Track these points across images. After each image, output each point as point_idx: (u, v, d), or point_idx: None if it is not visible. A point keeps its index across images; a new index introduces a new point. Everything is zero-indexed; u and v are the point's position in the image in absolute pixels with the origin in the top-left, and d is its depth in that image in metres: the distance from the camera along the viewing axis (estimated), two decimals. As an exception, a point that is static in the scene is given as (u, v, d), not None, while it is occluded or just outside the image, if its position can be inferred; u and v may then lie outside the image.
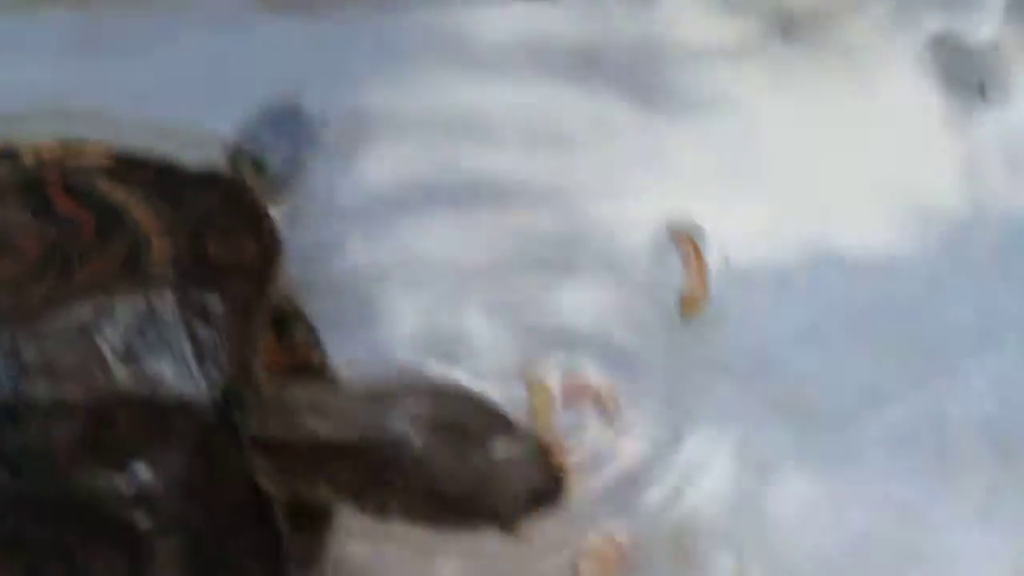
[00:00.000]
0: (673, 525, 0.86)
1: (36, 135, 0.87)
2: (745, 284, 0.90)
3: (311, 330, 0.84)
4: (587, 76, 0.94)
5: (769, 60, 0.93)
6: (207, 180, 0.83)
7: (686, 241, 0.91)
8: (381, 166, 0.91)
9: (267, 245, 0.80)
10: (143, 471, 0.73)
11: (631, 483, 0.87)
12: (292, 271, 0.85)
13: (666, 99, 0.93)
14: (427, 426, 0.74)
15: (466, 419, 0.76)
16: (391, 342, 0.87)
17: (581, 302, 0.89)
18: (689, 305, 0.89)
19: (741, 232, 0.91)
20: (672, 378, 0.89)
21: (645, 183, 0.92)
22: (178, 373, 0.74)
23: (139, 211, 0.80)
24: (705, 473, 0.86)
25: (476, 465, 0.74)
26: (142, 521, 0.73)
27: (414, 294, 0.90)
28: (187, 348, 0.75)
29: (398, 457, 0.74)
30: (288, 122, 0.90)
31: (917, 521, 0.85)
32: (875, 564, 0.85)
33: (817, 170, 0.93)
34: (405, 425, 0.74)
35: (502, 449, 0.75)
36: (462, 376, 0.85)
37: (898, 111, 0.93)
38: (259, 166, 0.88)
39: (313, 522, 0.81)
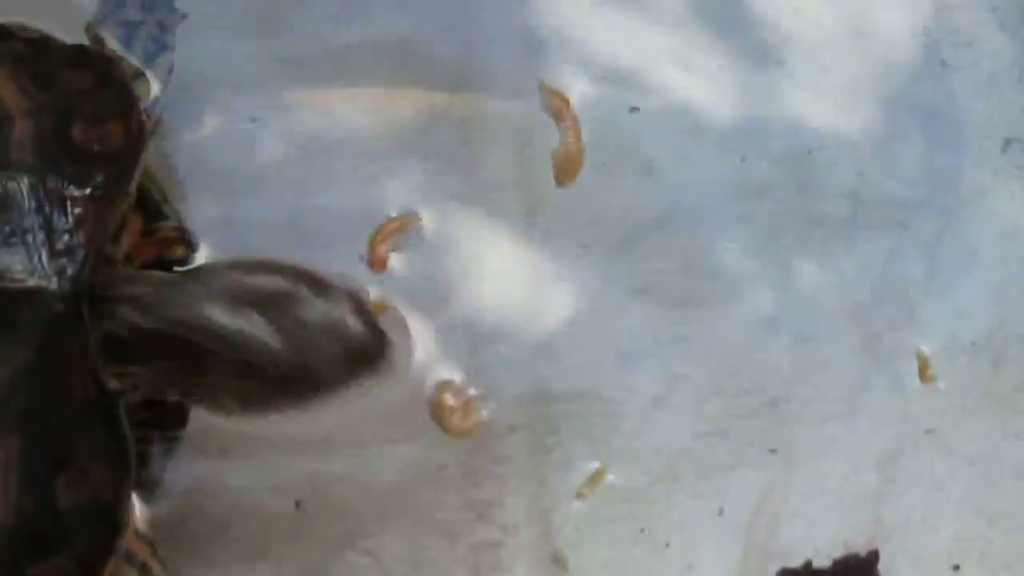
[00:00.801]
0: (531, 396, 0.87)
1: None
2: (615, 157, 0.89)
3: (178, 219, 0.84)
4: None
5: None
6: (80, 59, 0.80)
7: (557, 97, 0.90)
8: (245, 36, 0.89)
9: (135, 132, 0.78)
10: None
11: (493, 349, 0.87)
12: (159, 158, 0.86)
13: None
14: (232, 302, 0.75)
15: (274, 287, 0.76)
16: (255, 226, 0.86)
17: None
18: (564, 169, 0.89)
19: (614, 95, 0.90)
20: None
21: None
22: (29, 264, 0.73)
23: (4, 88, 0.78)
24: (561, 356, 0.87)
25: (290, 333, 0.75)
26: None
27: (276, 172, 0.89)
28: (40, 237, 0.74)
29: (207, 339, 0.74)
30: None
31: (779, 410, 0.87)
32: (736, 454, 0.86)
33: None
34: (209, 305, 0.75)
35: (315, 312, 0.75)
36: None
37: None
38: (123, 44, 0.86)
39: (168, 419, 0.83)
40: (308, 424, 0.85)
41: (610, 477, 0.85)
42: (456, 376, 0.86)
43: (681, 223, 0.88)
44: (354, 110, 0.90)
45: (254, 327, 0.74)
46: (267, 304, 0.75)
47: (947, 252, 0.88)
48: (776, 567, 0.84)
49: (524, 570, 0.85)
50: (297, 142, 0.88)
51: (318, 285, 0.76)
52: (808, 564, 0.84)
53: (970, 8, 0.91)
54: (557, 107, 0.89)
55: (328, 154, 0.88)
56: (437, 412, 0.86)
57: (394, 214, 0.87)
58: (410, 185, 0.88)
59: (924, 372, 0.88)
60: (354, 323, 0.76)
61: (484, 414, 0.86)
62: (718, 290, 0.88)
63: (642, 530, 0.84)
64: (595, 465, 0.86)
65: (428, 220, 0.88)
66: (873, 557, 0.85)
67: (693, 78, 0.90)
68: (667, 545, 0.85)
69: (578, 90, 0.89)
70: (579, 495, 0.86)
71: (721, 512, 0.85)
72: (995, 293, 0.89)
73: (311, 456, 0.86)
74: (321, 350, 0.75)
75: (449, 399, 0.86)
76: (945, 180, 0.89)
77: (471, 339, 0.87)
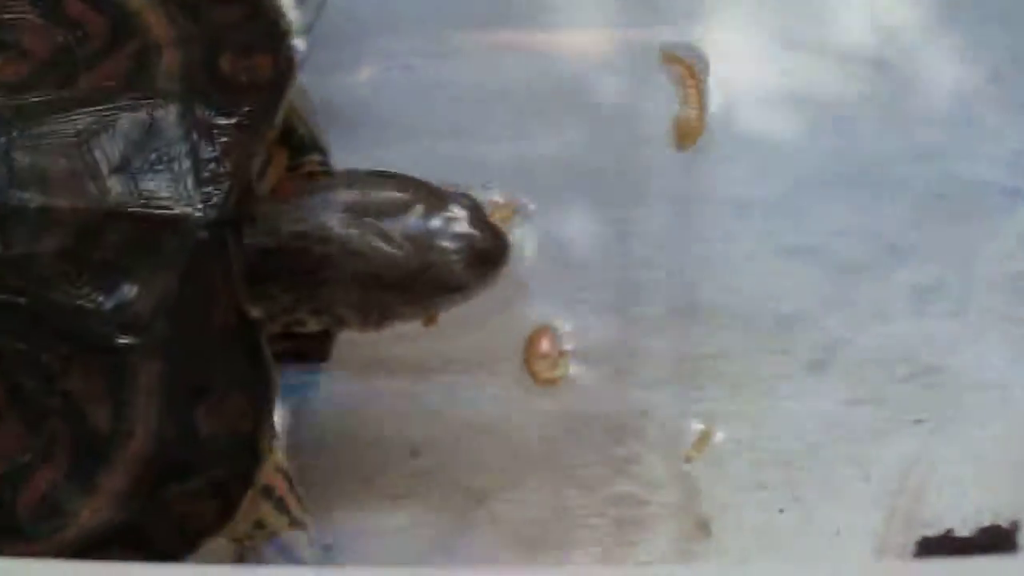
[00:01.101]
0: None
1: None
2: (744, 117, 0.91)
3: (323, 155, 0.84)
4: None
5: None
6: None
7: (680, 64, 0.91)
8: None
9: (283, 65, 0.79)
10: (129, 291, 0.72)
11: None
12: (309, 93, 0.86)
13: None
14: (348, 214, 0.76)
15: (390, 197, 0.77)
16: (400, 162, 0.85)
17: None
18: (684, 135, 0.89)
19: (743, 59, 0.92)
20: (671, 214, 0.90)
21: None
22: (175, 191, 0.73)
23: (153, 17, 0.78)
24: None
25: (405, 237, 0.76)
26: (124, 343, 0.72)
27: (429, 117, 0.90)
28: (187, 166, 0.74)
29: (327, 252, 0.75)
30: None
31: (932, 379, 0.86)
32: (887, 421, 0.85)
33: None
34: (326, 218, 0.76)
35: (430, 216, 0.76)
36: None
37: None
38: None
39: (311, 352, 0.84)
40: (428, 350, 0.86)
41: (750, 443, 0.85)
42: (567, 325, 0.87)
43: (843, 185, 0.88)
44: (512, 57, 0.91)
45: (372, 234, 0.75)
46: (386, 212, 0.76)
47: None
48: (919, 535, 0.83)
49: (666, 529, 0.85)
50: (450, 93, 0.89)
51: (437, 194, 0.77)
52: (949, 532, 0.83)
53: None
54: (679, 73, 0.90)
55: (483, 104, 0.89)
56: (528, 354, 0.86)
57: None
58: (568, 139, 0.89)
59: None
60: (473, 226, 0.76)
61: (571, 370, 0.86)
62: (879, 255, 0.88)
63: (793, 495, 0.85)
64: (703, 426, 0.86)
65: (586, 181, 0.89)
66: (1014, 527, 0.84)
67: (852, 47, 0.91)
68: (814, 511, 0.84)
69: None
70: (687, 458, 0.86)
71: (868, 479, 0.84)
72: None
73: (438, 402, 0.86)
74: (442, 251, 0.76)
75: (545, 345, 0.86)
76: None
77: (617, 293, 0.87)
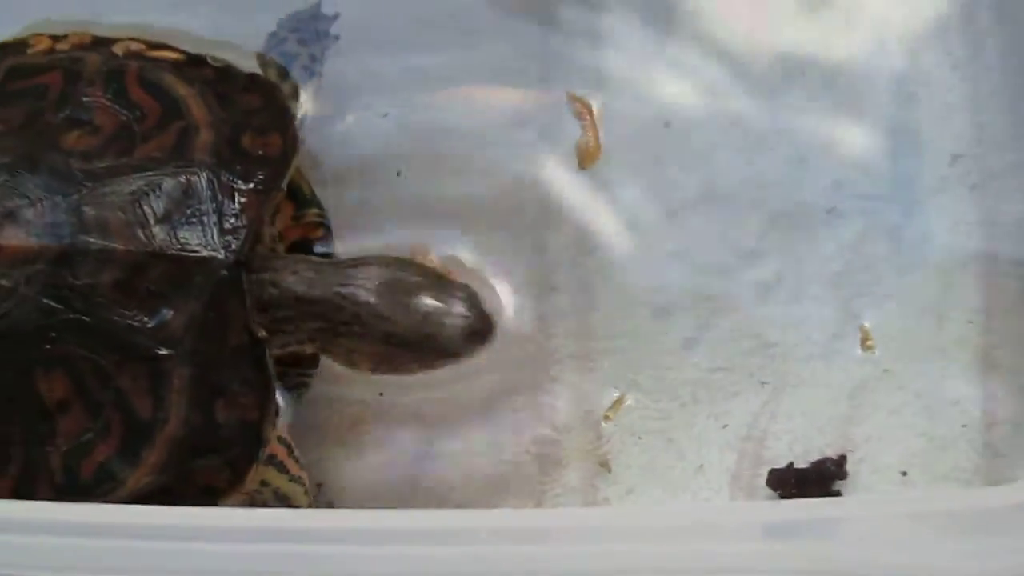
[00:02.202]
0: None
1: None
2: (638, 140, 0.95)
3: (321, 208, 0.90)
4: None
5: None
6: (252, 84, 0.87)
7: (579, 101, 0.95)
8: (389, 58, 0.97)
9: (289, 143, 0.85)
10: (167, 313, 0.78)
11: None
12: (309, 159, 0.91)
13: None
14: (380, 288, 0.81)
15: (412, 280, 0.82)
16: (388, 223, 0.94)
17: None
18: (584, 158, 0.94)
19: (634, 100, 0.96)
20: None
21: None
22: (203, 239, 0.79)
23: (194, 104, 0.84)
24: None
25: (422, 312, 0.81)
26: (162, 353, 0.78)
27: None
28: (213, 220, 0.80)
29: (357, 312, 0.81)
30: (308, 28, 0.94)
31: (772, 352, 0.91)
32: (739, 384, 0.91)
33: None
34: (363, 287, 0.81)
35: (442, 299, 0.82)
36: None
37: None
38: (283, 73, 0.92)
39: (300, 366, 0.88)
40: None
41: (639, 402, 0.91)
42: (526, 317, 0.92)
43: (709, 203, 0.94)
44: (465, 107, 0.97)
45: (397, 305, 0.82)
46: (409, 290, 0.82)
47: (907, 235, 0.92)
48: (765, 470, 0.88)
49: (576, 466, 0.90)
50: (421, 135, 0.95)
51: (445, 281, 0.83)
52: (791, 465, 0.87)
53: (930, 52, 0.95)
54: (579, 110, 0.95)
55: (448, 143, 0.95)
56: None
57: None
58: (520, 158, 0.95)
59: (864, 342, 0.90)
60: (468, 309, 0.83)
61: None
62: (735, 258, 0.93)
63: (668, 440, 0.90)
64: (617, 393, 0.91)
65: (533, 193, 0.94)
66: (842, 460, 0.88)
67: (718, 98, 0.96)
68: (685, 453, 0.90)
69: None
70: (605, 417, 0.91)
71: (725, 427, 0.89)
72: (941, 269, 0.92)
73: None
74: (446, 327, 0.82)
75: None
76: (907, 182, 0.93)
77: (538, 291, 0.93)
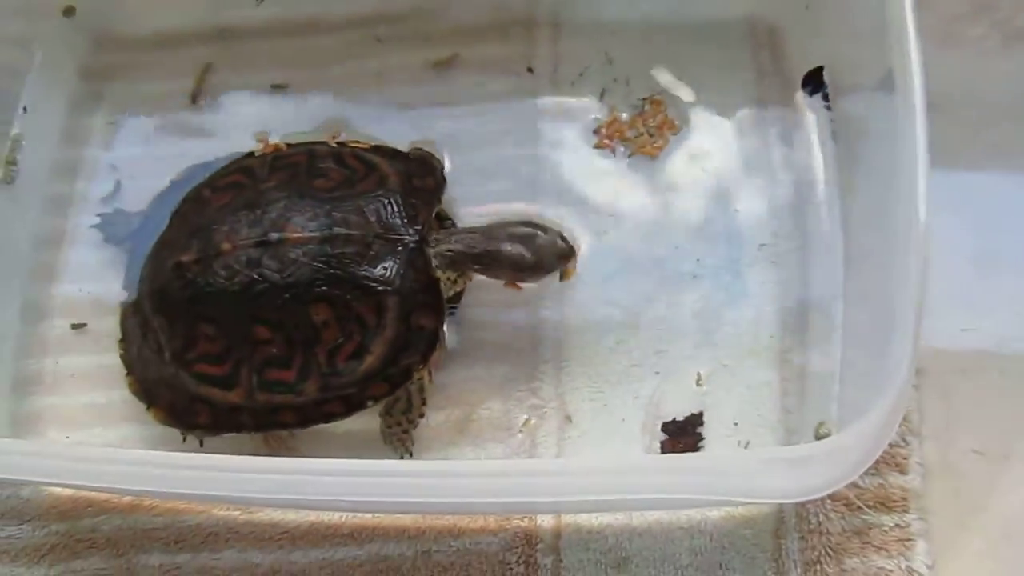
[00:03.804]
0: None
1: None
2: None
3: (452, 218, 1.20)
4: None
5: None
6: (414, 154, 1.20)
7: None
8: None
9: (439, 182, 1.16)
10: (384, 268, 1.08)
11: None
12: (448, 195, 1.20)
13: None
14: (508, 238, 1.10)
15: (525, 229, 1.10)
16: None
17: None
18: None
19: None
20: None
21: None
22: (401, 226, 1.10)
23: (384, 165, 1.15)
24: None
25: (533, 247, 1.08)
26: (382, 289, 1.07)
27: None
28: (404, 219, 1.11)
29: (499, 252, 1.09)
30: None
31: (664, 355, 1.19)
32: (643, 371, 1.21)
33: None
34: (497, 239, 1.10)
35: (543, 238, 1.10)
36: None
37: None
38: (428, 150, 1.21)
39: (450, 302, 1.14)
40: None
41: (589, 383, 1.19)
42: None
43: (640, 261, 1.25)
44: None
45: (516, 247, 1.10)
46: (522, 238, 1.11)
47: (736, 289, 1.22)
48: (660, 423, 1.18)
49: (549, 419, 1.19)
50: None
51: (543, 226, 1.11)
52: (674, 419, 1.18)
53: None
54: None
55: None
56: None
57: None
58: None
59: (698, 381, 1.18)
60: (560, 240, 1.10)
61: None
62: (642, 302, 1.24)
63: (604, 405, 1.21)
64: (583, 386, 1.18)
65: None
66: (700, 415, 1.18)
67: (635, 217, 1.25)
68: (614, 411, 1.20)
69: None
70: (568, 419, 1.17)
71: (637, 398, 1.20)
72: (754, 307, 1.22)
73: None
74: (548, 254, 1.10)
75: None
76: (735, 259, 1.23)
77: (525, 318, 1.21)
